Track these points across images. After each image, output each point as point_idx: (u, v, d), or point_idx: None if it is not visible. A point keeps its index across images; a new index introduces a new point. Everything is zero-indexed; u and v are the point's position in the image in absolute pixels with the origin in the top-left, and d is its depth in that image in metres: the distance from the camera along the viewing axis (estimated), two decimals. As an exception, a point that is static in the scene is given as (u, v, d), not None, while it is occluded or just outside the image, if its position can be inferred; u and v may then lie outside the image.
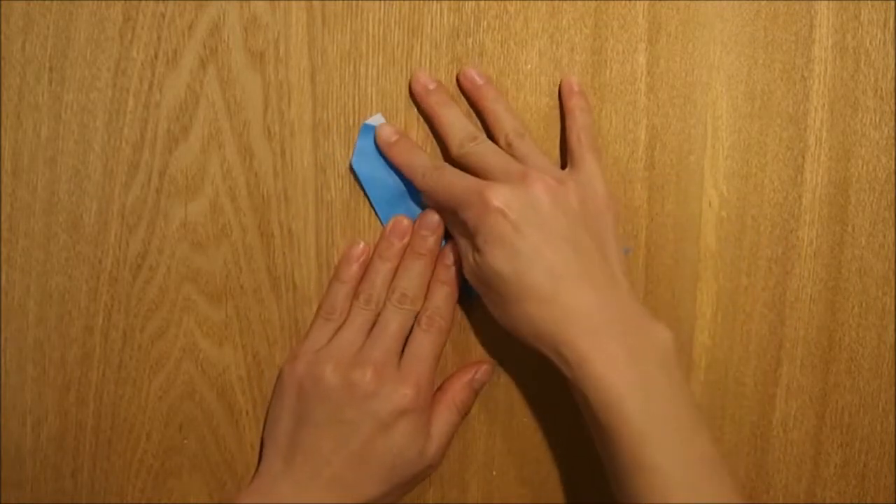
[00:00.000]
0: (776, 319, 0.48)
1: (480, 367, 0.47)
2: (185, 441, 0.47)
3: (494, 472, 0.48)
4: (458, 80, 0.46)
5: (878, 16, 0.47)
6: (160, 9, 0.45)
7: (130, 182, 0.46)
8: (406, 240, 0.45)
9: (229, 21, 0.45)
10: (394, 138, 0.45)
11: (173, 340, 0.46)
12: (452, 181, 0.43)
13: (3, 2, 0.45)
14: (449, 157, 0.45)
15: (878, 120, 0.47)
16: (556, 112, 0.47)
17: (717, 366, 0.48)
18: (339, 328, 0.45)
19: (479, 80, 0.45)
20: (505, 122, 0.45)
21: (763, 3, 0.47)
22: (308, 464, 0.43)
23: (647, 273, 0.47)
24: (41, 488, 0.47)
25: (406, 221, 0.46)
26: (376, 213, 0.46)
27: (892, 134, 0.47)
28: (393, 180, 0.46)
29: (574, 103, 0.45)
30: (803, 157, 0.47)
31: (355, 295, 0.45)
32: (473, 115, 0.46)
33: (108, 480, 0.47)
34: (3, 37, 0.45)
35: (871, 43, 0.47)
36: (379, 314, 0.45)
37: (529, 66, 0.46)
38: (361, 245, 0.46)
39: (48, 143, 0.45)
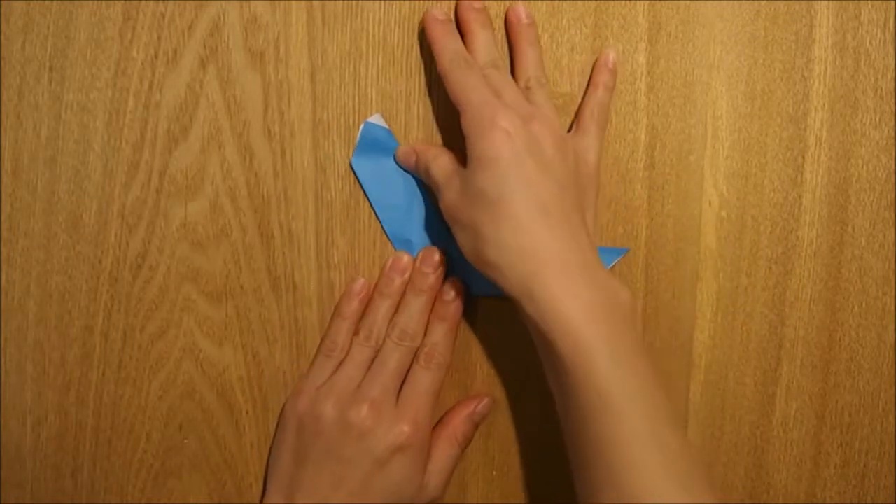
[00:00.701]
0: (776, 319, 0.48)
1: (481, 400, 0.47)
2: (185, 441, 0.47)
3: (494, 472, 0.48)
4: (507, 13, 0.46)
5: (878, 16, 0.47)
6: (160, 9, 0.45)
7: (130, 182, 0.46)
8: (406, 276, 0.45)
9: (229, 21, 0.45)
10: (442, 17, 0.44)
11: (173, 340, 0.46)
12: (475, 85, 0.42)
13: (3, 2, 0.45)
14: None
15: (878, 120, 0.47)
16: (556, 112, 0.47)
17: (717, 366, 0.48)
18: (340, 364, 0.45)
19: (525, 20, 0.45)
20: (531, 66, 0.45)
21: (763, 3, 0.47)
22: (308, 502, 0.43)
23: (647, 273, 0.47)
24: (41, 488, 0.47)
25: (406, 258, 0.46)
26: (375, 214, 0.46)
27: (892, 134, 0.47)
28: (393, 180, 0.46)
29: (601, 78, 0.46)
30: (803, 157, 0.47)
31: (356, 331, 0.46)
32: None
33: (108, 480, 0.47)
34: (3, 37, 0.45)
35: (871, 43, 0.47)
36: (379, 351, 0.45)
37: (529, 66, 0.46)
38: (361, 281, 0.46)
39: (48, 143, 0.45)
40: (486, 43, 0.44)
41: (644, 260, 0.47)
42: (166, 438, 0.47)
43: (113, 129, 0.45)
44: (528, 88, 0.44)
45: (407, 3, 0.46)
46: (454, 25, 0.45)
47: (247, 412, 0.47)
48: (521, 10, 0.45)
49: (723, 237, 0.48)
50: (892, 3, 0.47)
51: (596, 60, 0.46)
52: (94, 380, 0.46)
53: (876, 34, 0.47)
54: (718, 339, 0.48)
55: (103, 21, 0.45)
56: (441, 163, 0.43)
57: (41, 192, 0.46)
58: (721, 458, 0.48)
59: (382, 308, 0.45)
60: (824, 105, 0.47)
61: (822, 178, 0.48)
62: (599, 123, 0.45)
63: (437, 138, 0.46)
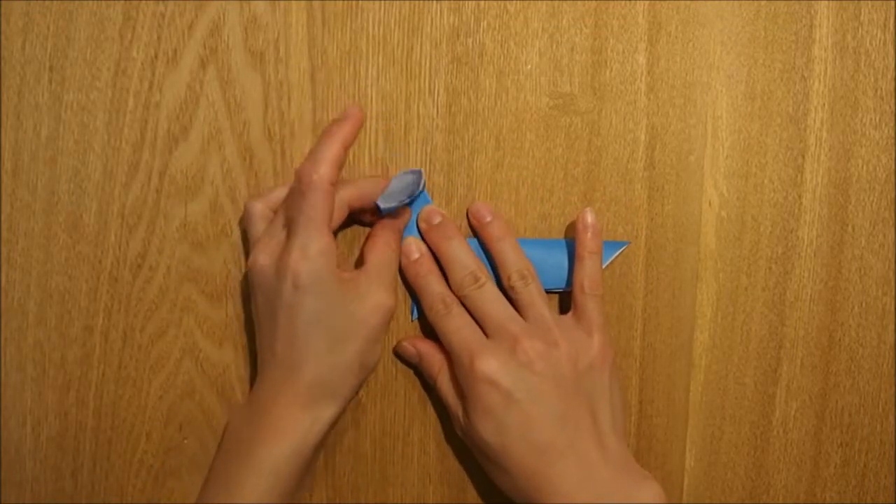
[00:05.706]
0: (776, 319, 0.48)
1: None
2: (185, 441, 0.47)
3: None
4: (466, 214, 0.46)
5: (878, 16, 0.47)
6: (160, 9, 0.45)
7: (130, 182, 0.46)
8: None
9: (229, 21, 0.45)
10: (414, 256, 0.45)
11: (173, 340, 0.46)
12: (454, 329, 0.43)
13: (3, 2, 0.45)
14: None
15: (878, 120, 0.47)
16: (556, 112, 0.47)
17: (717, 366, 0.48)
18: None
19: (487, 218, 0.45)
20: (509, 262, 0.44)
21: (763, 3, 0.47)
22: (263, 356, 0.42)
23: (647, 273, 0.47)
24: (41, 488, 0.47)
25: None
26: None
27: (892, 134, 0.47)
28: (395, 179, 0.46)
29: (584, 248, 0.44)
30: (803, 157, 0.48)
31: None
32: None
33: (108, 480, 0.47)
34: (3, 37, 0.45)
35: (871, 43, 0.47)
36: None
37: (529, 66, 0.46)
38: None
39: (48, 143, 0.45)
40: (457, 257, 0.44)
41: (644, 260, 0.47)
42: (166, 438, 0.47)
43: (113, 129, 0.45)
44: (511, 288, 0.44)
45: (407, 3, 0.46)
46: (427, 258, 0.45)
47: (247, 412, 0.47)
48: (482, 210, 0.45)
49: (723, 237, 0.48)
50: (893, 3, 0.47)
51: (575, 223, 0.45)
52: (94, 380, 0.46)
53: (876, 34, 0.47)
54: (718, 339, 0.48)
55: (103, 21, 0.45)
56: (445, 381, 0.44)
57: (41, 192, 0.46)
58: (721, 458, 0.48)
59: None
60: (824, 105, 0.47)
61: (822, 178, 0.48)
62: (594, 296, 0.44)
63: (437, 138, 0.46)
